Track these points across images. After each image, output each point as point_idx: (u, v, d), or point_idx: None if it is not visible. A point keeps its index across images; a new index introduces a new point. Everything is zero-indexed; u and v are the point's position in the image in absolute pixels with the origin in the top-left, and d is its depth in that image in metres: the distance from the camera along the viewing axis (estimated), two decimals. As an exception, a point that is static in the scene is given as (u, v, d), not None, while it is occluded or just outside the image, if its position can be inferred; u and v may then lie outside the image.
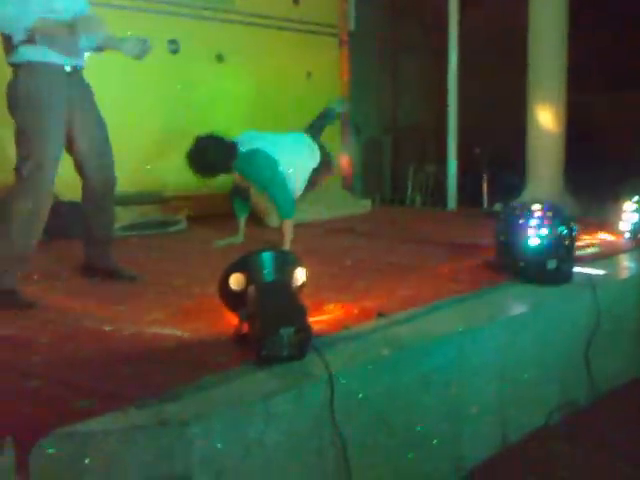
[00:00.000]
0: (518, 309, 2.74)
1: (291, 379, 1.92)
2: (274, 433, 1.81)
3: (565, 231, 3.00)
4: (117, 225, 4.69)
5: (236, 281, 2.13)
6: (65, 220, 3.68)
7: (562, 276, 3.02)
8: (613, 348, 3.12)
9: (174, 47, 5.23)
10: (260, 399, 1.80)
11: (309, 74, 6.32)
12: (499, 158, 5.97)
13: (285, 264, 2.19)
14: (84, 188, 3.05)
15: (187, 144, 3.85)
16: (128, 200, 4.51)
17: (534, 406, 2.71)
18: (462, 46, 6.13)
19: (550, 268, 2.98)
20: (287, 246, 3.73)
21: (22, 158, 2.72)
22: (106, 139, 3.04)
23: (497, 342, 2.52)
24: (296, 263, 2.23)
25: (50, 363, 2.06)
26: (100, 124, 3.02)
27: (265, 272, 2.12)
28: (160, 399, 1.76)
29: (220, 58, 5.60)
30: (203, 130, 3.91)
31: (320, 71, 6.38)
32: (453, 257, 3.77)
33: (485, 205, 6.03)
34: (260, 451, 1.78)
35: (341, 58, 6.64)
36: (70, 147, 2.94)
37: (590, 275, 3.17)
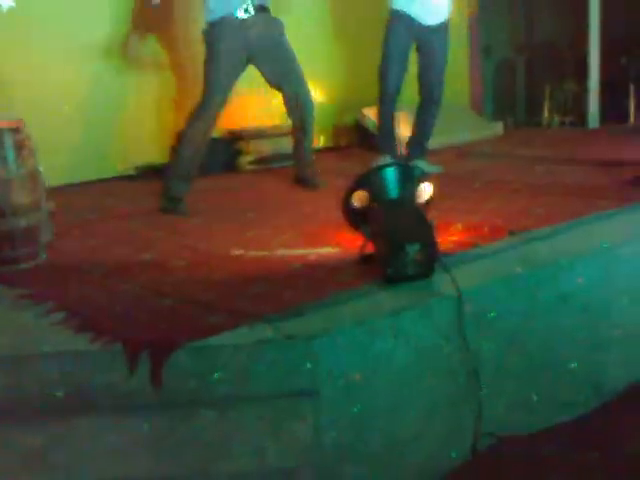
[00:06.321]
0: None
1: (418, 296, 1.86)
2: (403, 350, 1.76)
3: None
4: (251, 158, 4.76)
5: (359, 198, 2.07)
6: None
7: None
8: None
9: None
10: (386, 315, 1.76)
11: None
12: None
13: (409, 179, 2.09)
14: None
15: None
16: (265, 133, 4.58)
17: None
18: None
19: None
20: None
21: (203, 90, 3.35)
22: (292, 70, 3.46)
23: (646, 260, 2.30)
24: (422, 178, 2.12)
25: (183, 284, 2.13)
26: (284, 58, 3.44)
27: (389, 188, 2.03)
28: (286, 315, 1.76)
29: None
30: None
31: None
32: (596, 175, 3.48)
33: (632, 120, 5.52)
34: (389, 368, 1.75)
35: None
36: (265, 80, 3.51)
37: None
